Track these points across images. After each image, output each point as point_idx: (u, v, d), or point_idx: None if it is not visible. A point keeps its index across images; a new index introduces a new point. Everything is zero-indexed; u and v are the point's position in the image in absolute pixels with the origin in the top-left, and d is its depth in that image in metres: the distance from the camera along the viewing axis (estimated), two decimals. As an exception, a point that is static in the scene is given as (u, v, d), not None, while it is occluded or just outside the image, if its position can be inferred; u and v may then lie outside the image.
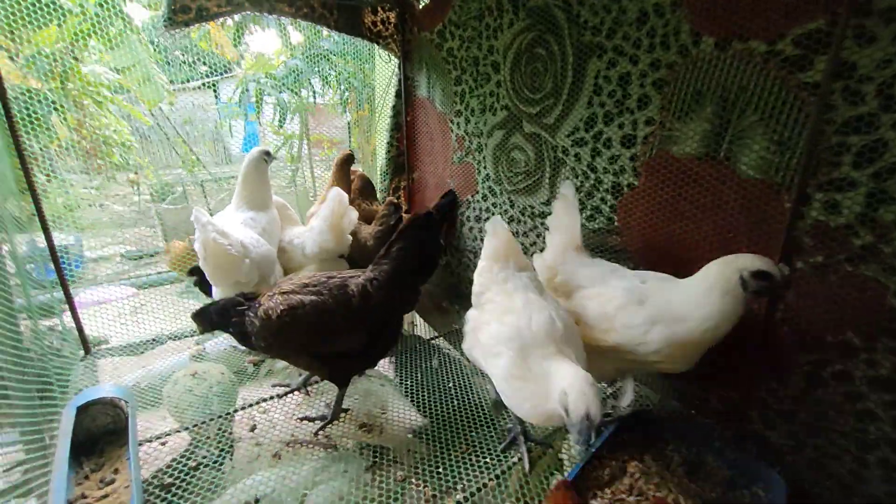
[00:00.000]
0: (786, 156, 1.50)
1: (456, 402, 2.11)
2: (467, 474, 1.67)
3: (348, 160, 3.02)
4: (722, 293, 1.45)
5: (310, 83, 7.15)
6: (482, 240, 2.76)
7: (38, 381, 1.86)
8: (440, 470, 1.68)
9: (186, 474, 1.65)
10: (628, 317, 1.59)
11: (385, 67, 3.52)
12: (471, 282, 1.82)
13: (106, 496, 1.47)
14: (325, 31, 6.13)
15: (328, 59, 6.87)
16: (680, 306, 1.52)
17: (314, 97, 7.31)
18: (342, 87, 7.33)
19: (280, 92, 6.95)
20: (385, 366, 2.54)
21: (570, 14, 2.02)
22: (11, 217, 2.25)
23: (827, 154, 1.42)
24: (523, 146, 2.43)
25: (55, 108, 4.65)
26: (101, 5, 4.05)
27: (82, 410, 1.66)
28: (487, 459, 1.74)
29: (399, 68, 3.21)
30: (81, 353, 2.44)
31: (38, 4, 2.51)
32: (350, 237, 2.58)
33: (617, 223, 2.06)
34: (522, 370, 1.43)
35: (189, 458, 1.73)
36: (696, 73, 1.67)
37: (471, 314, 1.79)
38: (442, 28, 2.76)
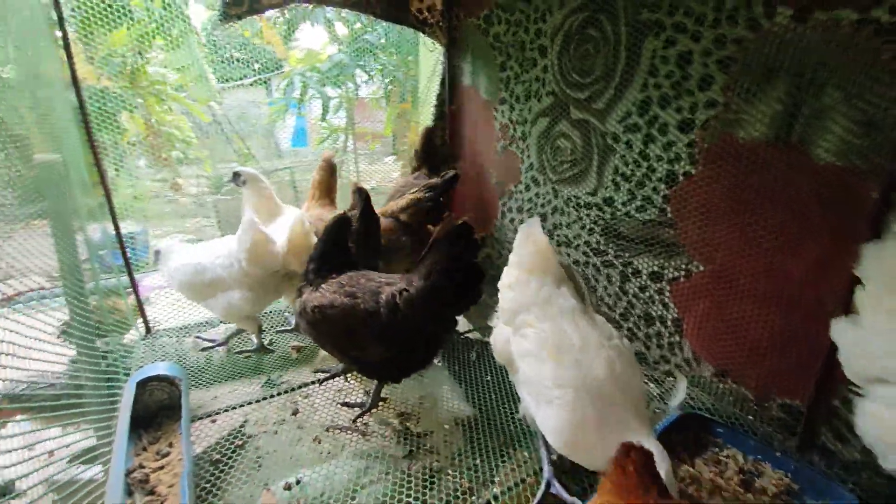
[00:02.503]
0: (873, 138, 1.34)
1: (494, 396, 2.08)
2: (505, 468, 1.63)
3: (332, 167, 2.88)
4: None
5: (353, 77, 7.26)
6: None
7: (105, 357, 2.01)
8: (477, 462, 1.65)
9: (233, 452, 1.72)
10: None
11: (429, 56, 3.49)
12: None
13: (161, 467, 1.56)
14: (370, 24, 6.20)
15: (372, 52, 6.93)
16: None
17: (356, 91, 7.42)
18: (386, 80, 7.40)
19: (323, 86, 7.10)
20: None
21: (625, -9, 1.90)
22: (86, 207, 2.44)
23: (925, 135, 1.25)
24: (570, 133, 2.33)
25: (125, 106, 5.01)
26: (165, 7, 4.29)
27: (141, 386, 1.77)
28: (526, 454, 1.69)
29: (444, 56, 3.17)
30: (143, 332, 2.61)
31: (110, 8, 2.70)
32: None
33: (670, 214, 1.93)
34: (584, 424, 1.25)
35: (236, 437, 1.80)
36: (767, 48, 1.51)
37: (503, 333, 1.61)
38: (489, 13, 2.69)
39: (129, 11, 3.75)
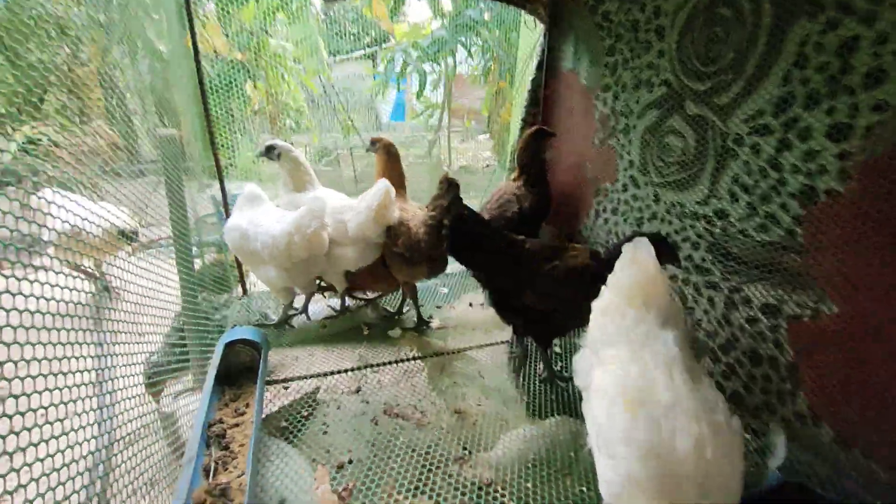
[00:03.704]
0: None
1: (558, 418, 1.93)
2: (558, 498, 1.52)
3: (391, 151, 2.62)
4: None
5: (452, 53, 7.17)
6: (618, 235, 2.44)
7: (205, 312, 2.25)
8: (528, 485, 1.56)
9: (298, 422, 1.84)
10: None
11: (529, 36, 3.27)
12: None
13: (237, 425, 1.71)
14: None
15: (473, 29, 6.77)
16: None
17: (454, 67, 7.32)
18: (485, 57, 7.20)
19: (423, 62, 7.10)
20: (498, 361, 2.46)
21: (775, -40, 1.55)
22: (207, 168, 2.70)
23: None
24: (682, 131, 2.02)
25: (250, 77, 5.52)
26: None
27: (229, 347, 1.95)
28: (584, 489, 1.56)
29: (544, 36, 2.95)
30: (241, 293, 2.90)
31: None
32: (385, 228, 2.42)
33: (801, 239, 1.59)
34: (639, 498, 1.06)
35: (303, 408, 1.92)
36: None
37: (587, 358, 1.44)
38: (599, -12, 2.42)
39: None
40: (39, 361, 1.11)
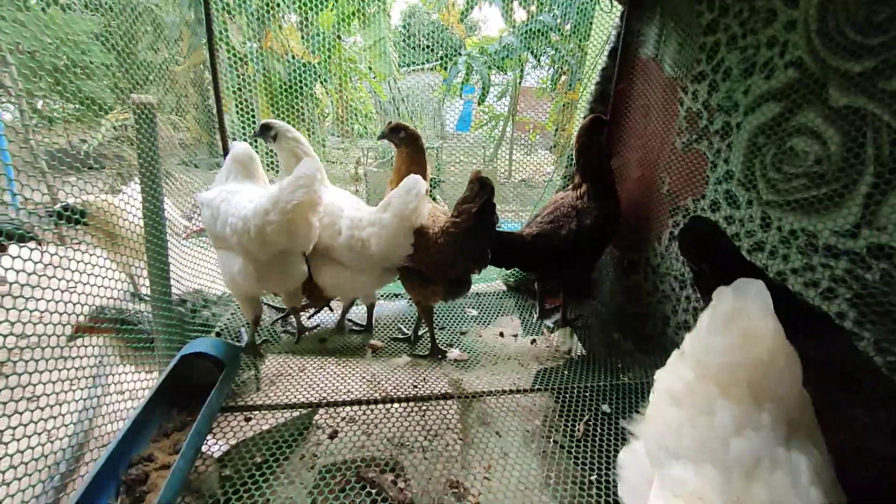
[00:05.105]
0: None
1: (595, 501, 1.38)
2: None
3: (419, 142, 2.09)
4: None
5: (521, 62, 6.78)
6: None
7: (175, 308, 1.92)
8: None
9: (247, 472, 1.41)
10: None
11: (604, 21, 2.74)
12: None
13: (167, 466, 1.33)
14: (547, 3, 5.63)
15: (545, 35, 6.34)
16: None
17: (520, 76, 6.94)
18: (556, 67, 6.72)
19: (488, 68, 6.76)
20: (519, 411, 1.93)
21: None
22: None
23: None
24: (819, 130, 1.41)
25: (320, 80, 5.49)
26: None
27: (191, 360, 1.59)
28: None
29: (621, 19, 2.41)
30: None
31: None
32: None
33: None
34: None
35: (259, 451, 1.50)
36: None
37: (640, 464, 0.92)
38: (701, -54, 1.86)
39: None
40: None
